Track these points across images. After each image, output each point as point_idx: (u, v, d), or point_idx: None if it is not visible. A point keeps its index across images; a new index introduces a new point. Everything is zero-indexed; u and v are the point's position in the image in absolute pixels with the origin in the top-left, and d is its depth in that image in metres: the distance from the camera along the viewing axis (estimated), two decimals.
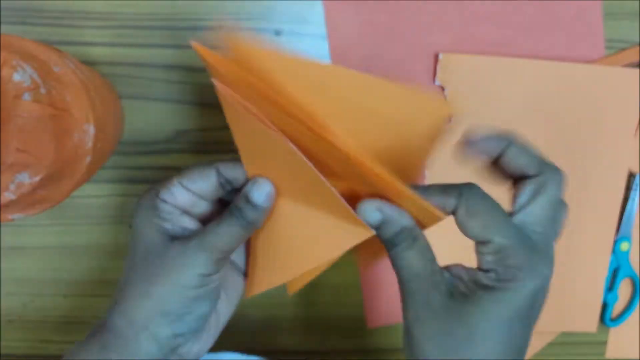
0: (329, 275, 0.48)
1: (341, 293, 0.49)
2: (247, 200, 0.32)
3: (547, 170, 0.30)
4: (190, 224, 0.33)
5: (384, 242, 0.31)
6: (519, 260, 0.28)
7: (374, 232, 0.30)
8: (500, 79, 0.47)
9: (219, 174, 0.33)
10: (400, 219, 0.30)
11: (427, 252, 0.31)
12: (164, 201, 0.33)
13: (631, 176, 0.50)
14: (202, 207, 0.34)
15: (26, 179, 0.31)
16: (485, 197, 0.30)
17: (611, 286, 0.51)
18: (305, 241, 0.33)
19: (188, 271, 0.31)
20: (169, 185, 0.33)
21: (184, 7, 0.44)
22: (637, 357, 0.52)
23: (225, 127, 0.45)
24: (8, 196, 0.31)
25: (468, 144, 0.31)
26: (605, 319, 0.51)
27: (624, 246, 0.50)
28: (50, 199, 0.34)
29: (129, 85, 0.45)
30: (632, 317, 0.51)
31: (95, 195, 0.45)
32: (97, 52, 0.44)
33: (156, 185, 0.33)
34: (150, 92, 0.45)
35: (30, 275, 0.46)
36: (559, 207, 0.31)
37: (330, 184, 0.29)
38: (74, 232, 0.46)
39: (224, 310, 0.36)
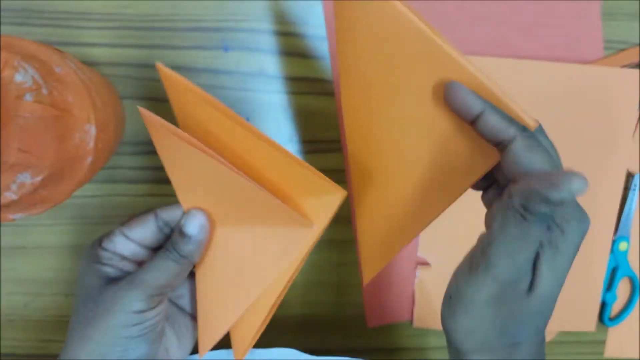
0: (329, 275, 0.48)
1: (341, 293, 0.49)
2: (181, 233, 0.33)
3: (519, 129, 0.28)
4: (129, 267, 0.34)
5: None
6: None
7: (316, 229, 0.32)
8: (499, 79, 0.47)
9: (157, 218, 0.34)
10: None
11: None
12: (105, 249, 0.33)
13: (630, 176, 0.50)
14: (143, 255, 0.34)
15: (28, 179, 0.31)
16: (547, 139, 0.29)
17: (610, 286, 0.51)
18: (256, 260, 0.34)
19: (120, 310, 0.31)
20: (111, 236, 0.33)
21: (183, 8, 0.44)
22: (636, 356, 0.52)
23: None
24: (10, 196, 0.31)
25: (452, 92, 0.29)
26: (604, 318, 0.51)
27: (622, 246, 0.50)
28: (52, 199, 0.35)
29: (130, 86, 0.45)
30: (631, 316, 0.51)
31: (96, 195, 0.46)
32: (98, 53, 0.44)
33: (97, 237, 0.34)
34: (151, 93, 0.45)
35: (31, 274, 0.46)
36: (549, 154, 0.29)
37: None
38: (75, 232, 0.46)
39: (177, 353, 0.37)
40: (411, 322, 0.50)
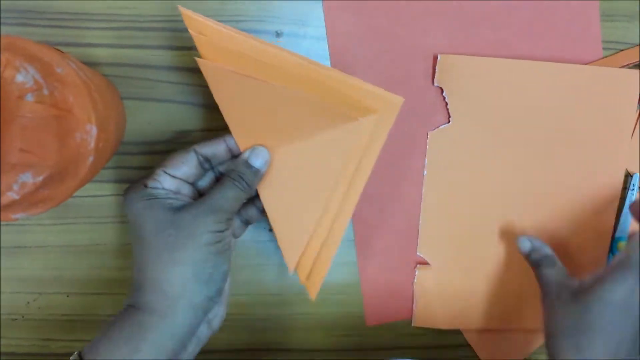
0: (328, 274, 0.48)
1: (340, 292, 0.49)
2: (247, 165, 0.37)
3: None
4: (184, 199, 0.37)
5: (532, 263, 0.45)
6: (622, 264, 0.38)
7: (364, 120, 0.37)
8: (498, 79, 0.47)
9: (197, 155, 0.38)
10: (544, 248, 0.45)
11: (562, 270, 0.43)
12: (155, 188, 0.36)
13: (628, 176, 0.50)
14: (187, 190, 0.38)
15: (29, 179, 0.31)
16: None
17: None
18: (318, 167, 0.39)
19: (205, 232, 0.35)
20: (155, 176, 0.37)
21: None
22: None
23: (226, 127, 0.45)
24: (11, 196, 0.31)
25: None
26: None
27: (621, 246, 0.50)
28: (53, 199, 0.35)
29: (131, 86, 0.45)
30: None
31: (98, 195, 0.46)
32: (99, 53, 0.44)
33: (139, 180, 0.37)
34: (152, 93, 0.45)
35: (33, 274, 0.46)
36: None
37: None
38: (76, 231, 0.46)
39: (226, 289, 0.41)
40: (411, 320, 0.50)
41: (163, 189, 0.36)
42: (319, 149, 0.38)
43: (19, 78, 0.31)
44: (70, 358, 0.35)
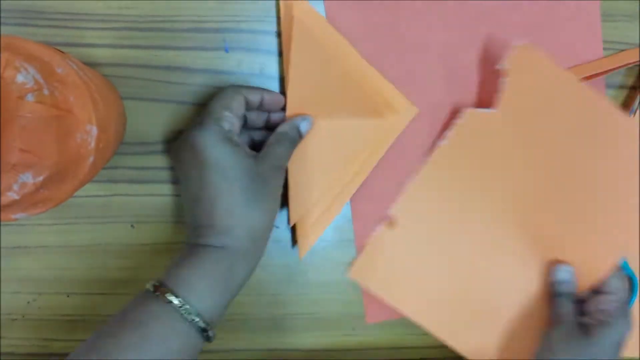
0: (328, 274, 0.48)
1: (340, 292, 0.49)
2: (298, 130, 0.43)
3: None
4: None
5: (556, 292, 0.47)
6: (623, 311, 0.45)
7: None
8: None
9: (244, 98, 0.41)
10: (574, 285, 0.47)
11: (573, 308, 0.46)
12: (230, 131, 0.39)
13: None
14: (236, 124, 0.41)
15: (29, 179, 0.31)
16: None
17: None
18: (348, 146, 0.46)
19: (279, 186, 0.41)
20: (225, 117, 0.39)
21: (184, 9, 0.45)
22: (634, 355, 0.52)
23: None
24: (11, 196, 0.31)
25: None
26: None
27: None
28: (53, 199, 0.35)
29: (131, 86, 0.45)
30: None
31: (98, 195, 0.46)
32: (99, 54, 0.44)
33: (209, 122, 0.38)
34: (152, 93, 0.45)
35: (33, 274, 0.46)
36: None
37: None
38: (76, 231, 0.46)
39: None
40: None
41: (234, 132, 0.40)
42: (347, 131, 0.45)
43: (20, 78, 0.31)
44: (147, 285, 0.37)
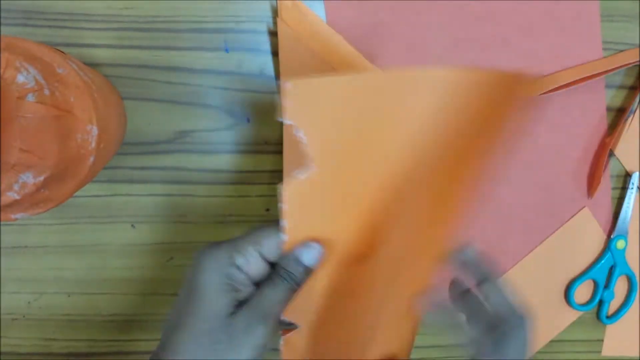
0: None
1: None
2: (300, 264, 0.32)
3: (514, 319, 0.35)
4: (249, 288, 0.33)
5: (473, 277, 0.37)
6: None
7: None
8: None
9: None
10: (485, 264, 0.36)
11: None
12: (239, 269, 0.32)
13: (627, 176, 0.50)
14: (264, 270, 0.33)
15: (30, 179, 0.32)
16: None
17: (607, 284, 0.51)
18: None
19: (253, 346, 0.31)
20: (245, 254, 0.32)
21: (184, 10, 0.45)
22: (633, 354, 0.52)
23: (225, 128, 0.46)
24: (12, 196, 0.32)
25: (458, 260, 0.36)
26: (602, 316, 0.51)
27: (620, 244, 0.50)
28: (54, 199, 0.35)
29: (131, 87, 0.45)
30: (628, 314, 0.51)
31: (98, 195, 0.46)
32: (100, 54, 0.44)
33: (226, 247, 0.32)
34: (152, 93, 0.45)
35: (34, 274, 0.46)
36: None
37: None
38: (76, 231, 0.46)
39: None
40: None
41: (245, 274, 0.32)
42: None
43: (20, 78, 0.31)
44: None
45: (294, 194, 0.31)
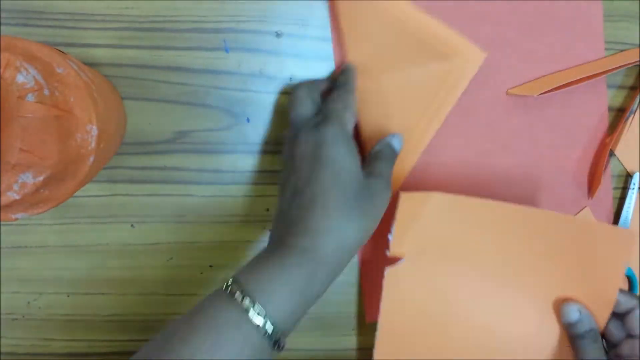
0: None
1: (340, 292, 0.49)
2: (392, 148, 0.42)
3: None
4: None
5: (574, 336, 0.41)
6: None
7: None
8: (483, 222, 0.43)
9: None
10: (591, 321, 0.41)
11: (602, 349, 0.41)
12: (349, 134, 0.39)
13: (628, 176, 0.50)
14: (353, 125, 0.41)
15: (30, 179, 0.32)
16: None
17: None
18: (413, 95, 0.46)
19: (385, 204, 0.38)
20: (345, 116, 0.39)
21: (184, 10, 0.45)
22: None
23: (225, 128, 0.46)
24: (12, 196, 0.32)
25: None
26: None
27: None
28: (54, 199, 0.35)
29: (131, 86, 0.45)
30: None
31: (98, 195, 0.46)
32: (100, 54, 0.44)
33: (335, 118, 0.38)
34: (152, 93, 0.45)
35: (34, 274, 0.46)
36: None
37: None
38: (77, 231, 0.46)
39: None
40: None
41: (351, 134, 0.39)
42: (415, 80, 0.45)
43: (20, 78, 0.31)
44: (223, 285, 0.33)
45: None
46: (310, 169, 0.37)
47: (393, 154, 0.42)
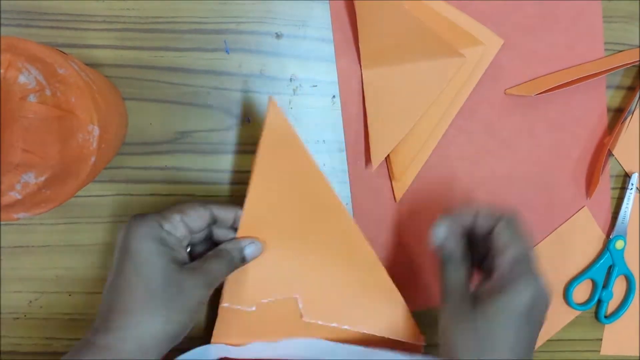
0: None
1: None
2: (241, 254, 0.40)
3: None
4: (183, 251, 0.39)
5: (443, 258, 0.39)
6: (522, 269, 0.36)
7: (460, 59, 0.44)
8: None
9: (211, 214, 0.40)
10: (456, 242, 0.39)
11: (467, 273, 0.39)
12: (169, 233, 0.38)
13: (627, 176, 0.50)
14: (187, 242, 0.40)
15: (32, 179, 0.32)
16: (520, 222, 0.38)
17: (606, 284, 0.51)
18: (416, 90, 0.45)
19: (198, 301, 0.37)
20: (171, 220, 0.38)
21: (185, 10, 0.45)
22: (632, 354, 0.52)
23: (226, 128, 0.46)
24: (14, 196, 0.32)
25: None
26: (600, 316, 0.51)
27: (619, 244, 0.50)
28: (56, 199, 0.35)
29: (132, 87, 0.45)
30: (627, 314, 0.51)
31: (99, 195, 0.46)
32: (101, 55, 0.45)
33: (152, 216, 0.37)
34: (153, 94, 0.45)
35: (35, 273, 0.46)
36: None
37: None
38: (78, 231, 0.46)
39: None
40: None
41: (175, 236, 0.38)
42: (422, 74, 0.44)
43: (22, 79, 0.31)
44: None
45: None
46: (118, 261, 0.37)
47: (237, 260, 0.40)
